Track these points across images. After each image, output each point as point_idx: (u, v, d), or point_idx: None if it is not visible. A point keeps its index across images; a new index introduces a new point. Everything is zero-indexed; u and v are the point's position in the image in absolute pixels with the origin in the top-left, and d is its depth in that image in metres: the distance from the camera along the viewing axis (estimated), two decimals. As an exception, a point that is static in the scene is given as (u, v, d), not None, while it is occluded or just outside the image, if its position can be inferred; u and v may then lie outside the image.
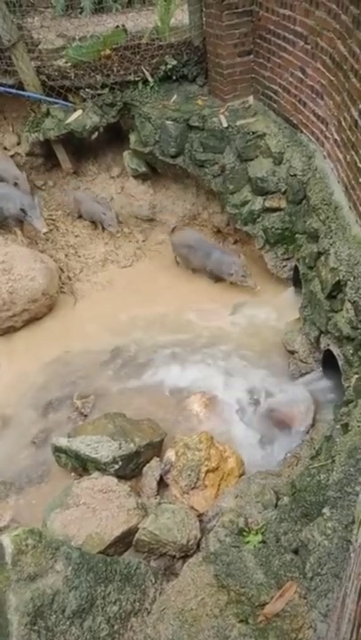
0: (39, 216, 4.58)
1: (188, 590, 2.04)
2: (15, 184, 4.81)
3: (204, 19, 4.39)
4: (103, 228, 5.21)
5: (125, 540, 2.69)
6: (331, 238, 3.30)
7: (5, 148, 5.38)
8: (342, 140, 3.22)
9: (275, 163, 4.11)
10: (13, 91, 4.69)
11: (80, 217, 5.32)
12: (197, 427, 3.48)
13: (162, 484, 3.06)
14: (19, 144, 5.39)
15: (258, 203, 4.33)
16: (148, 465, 3.12)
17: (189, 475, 2.93)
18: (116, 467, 3.00)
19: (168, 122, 4.48)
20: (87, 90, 4.68)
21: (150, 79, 4.66)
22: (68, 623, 2.01)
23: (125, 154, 5.17)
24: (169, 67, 4.60)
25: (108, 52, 4.59)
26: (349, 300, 3.04)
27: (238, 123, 4.27)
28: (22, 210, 4.51)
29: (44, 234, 4.76)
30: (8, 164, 5.02)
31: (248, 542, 2.24)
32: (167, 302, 4.60)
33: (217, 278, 4.74)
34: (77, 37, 4.89)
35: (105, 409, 3.59)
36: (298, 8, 3.42)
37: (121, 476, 3.01)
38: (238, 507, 2.58)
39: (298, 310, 4.02)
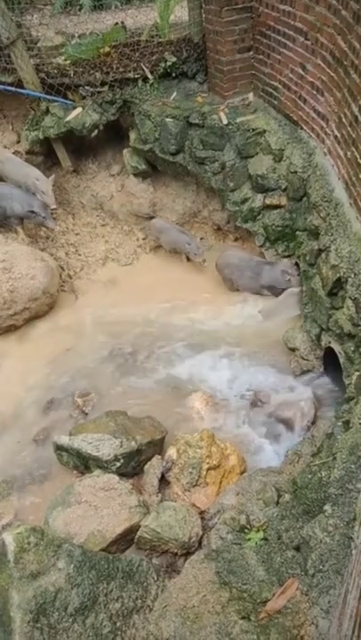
0: (50, 216, 4.65)
1: (190, 587, 2.05)
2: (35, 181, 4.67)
3: (203, 15, 4.38)
4: (188, 259, 4.92)
5: (127, 538, 2.70)
6: (331, 235, 3.30)
7: (5, 147, 5.37)
8: (343, 136, 3.21)
9: (275, 160, 4.10)
10: (13, 89, 4.67)
11: (158, 245, 5.10)
12: (199, 424, 3.48)
13: (163, 481, 3.06)
14: (18, 142, 5.38)
15: (258, 200, 4.32)
16: (149, 463, 3.12)
17: (191, 472, 2.94)
18: (118, 465, 3.00)
19: (168, 119, 4.47)
20: (87, 87, 4.66)
21: (150, 76, 4.64)
22: (70, 620, 2.02)
23: (125, 152, 5.16)
24: (168, 64, 4.58)
25: (107, 49, 4.58)
26: (350, 297, 3.04)
27: (238, 120, 4.25)
28: (32, 212, 4.53)
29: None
30: (25, 166, 4.86)
31: (250, 539, 2.25)
32: (168, 300, 4.60)
33: (280, 293, 4.23)
34: (76, 35, 4.88)
35: (106, 407, 3.60)
36: (298, 4, 3.40)
37: (122, 473, 3.02)
38: (240, 504, 2.58)
39: (298, 307, 4.02)
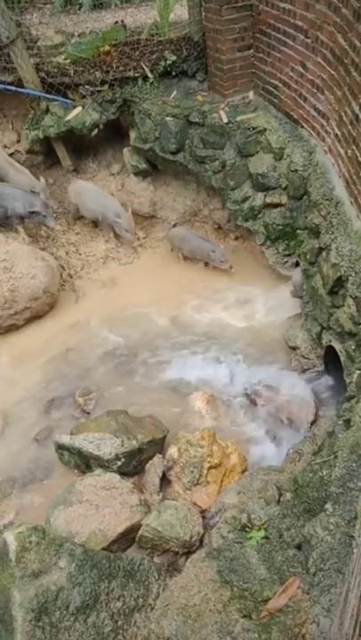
0: (51, 214, 4.69)
1: (192, 586, 2.05)
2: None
3: (203, 13, 4.37)
4: (206, 263, 4.80)
5: (129, 537, 2.70)
6: (332, 234, 3.29)
7: (5, 146, 5.37)
8: (343, 134, 3.21)
9: (275, 158, 4.09)
10: (13, 88, 4.68)
11: (175, 250, 4.98)
12: (200, 423, 3.48)
13: (164, 480, 3.06)
14: (18, 142, 5.38)
15: (259, 199, 4.31)
16: (150, 462, 3.12)
17: (192, 471, 2.94)
18: (119, 464, 3.00)
19: (168, 118, 4.47)
20: (86, 86, 4.66)
21: (150, 75, 4.64)
22: (72, 619, 2.02)
23: (125, 151, 5.16)
24: (168, 62, 4.58)
25: (107, 48, 4.58)
26: (351, 296, 3.04)
27: (238, 118, 4.25)
28: (34, 212, 4.56)
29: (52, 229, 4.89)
30: (104, 197, 4.91)
31: (251, 538, 2.25)
32: (168, 298, 4.60)
33: None
34: (76, 34, 4.88)
35: (107, 406, 3.60)
36: (298, 2, 3.40)
37: (124, 472, 3.02)
38: (241, 503, 2.58)
39: (299, 306, 4.02)
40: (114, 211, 4.73)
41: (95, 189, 4.99)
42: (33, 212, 4.57)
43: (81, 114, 4.73)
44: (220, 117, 4.28)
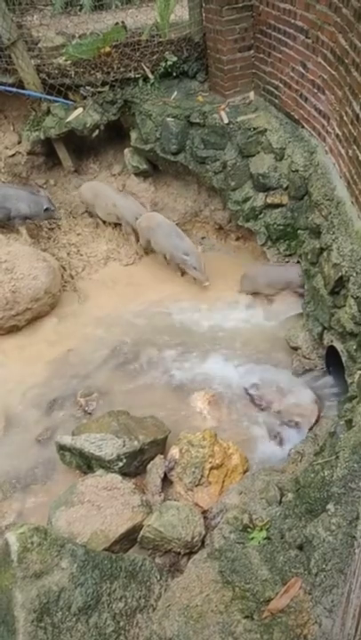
0: (56, 207, 4.82)
1: (193, 587, 2.05)
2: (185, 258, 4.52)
3: (203, 14, 4.37)
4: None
5: (130, 538, 2.70)
6: (333, 234, 3.29)
7: (6, 147, 5.38)
8: (344, 134, 3.21)
9: (276, 158, 4.09)
10: (14, 89, 4.68)
11: (255, 293, 4.51)
12: (201, 424, 3.48)
13: (166, 481, 3.06)
14: (19, 143, 5.39)
15: (259, 199, 4.31)
16: (152, 462, 3.13)
17: (193, 472, 2.94)
18: (121, 464, 3.01)
19: (169, 119, 4.47)
20: (87, 87, 4.67)
21: (150, 76, 4.64)
22: (74, 620, 2.03)
23: (126, 151, 5.16)
24: (169, 63, 4.58)
25: (107, 49, 4.58)
26: (352, 296, 3.04)
27: (239, 119, 4.25)
28: (47, 209, 4.70)
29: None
30: (176, 236, 4.59)
31: (253, 539, 2.25)
32: (170, 300, 4.60)
33: None
34: (77, 35, 4.89)
35: (109, 407, 3.61)
36: (298, 2, 3.40)
37: (125, 473, 3.02)
38: (243, 503, 2.58)
39: (300, 306, 4.02)
40: (182, 250, 4.55)
41: (168, 225, 4.70)
42: (47, 210, 4.69)
43: (82, 115, 4.73)
44: (220, 118, 4.29)
